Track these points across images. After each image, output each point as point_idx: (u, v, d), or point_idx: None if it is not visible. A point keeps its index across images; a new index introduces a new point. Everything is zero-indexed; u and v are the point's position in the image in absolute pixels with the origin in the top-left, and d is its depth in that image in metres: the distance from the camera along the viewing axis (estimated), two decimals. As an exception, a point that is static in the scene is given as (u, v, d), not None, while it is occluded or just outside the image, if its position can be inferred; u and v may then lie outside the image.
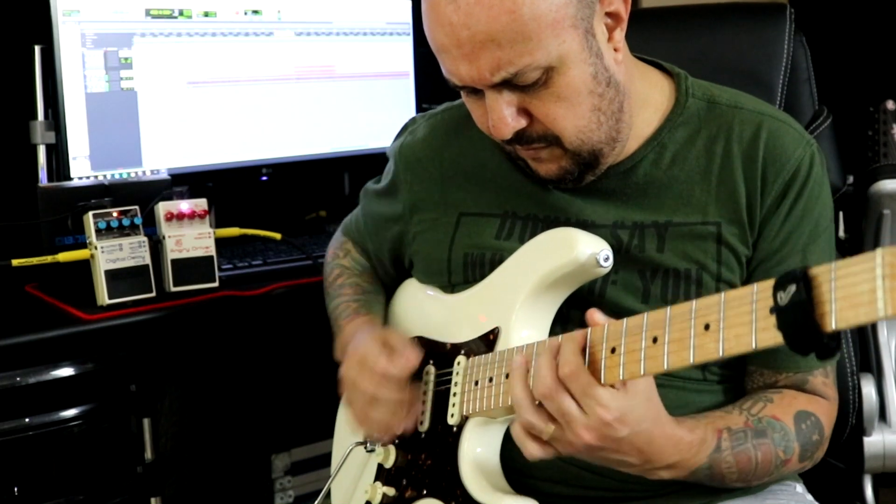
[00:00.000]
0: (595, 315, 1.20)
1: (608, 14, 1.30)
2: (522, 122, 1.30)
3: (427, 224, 1.53)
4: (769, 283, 0.98)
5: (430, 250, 1.52)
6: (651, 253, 1.37)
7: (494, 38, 1.22)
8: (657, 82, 1.43)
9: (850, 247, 1.96)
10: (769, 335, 0.98)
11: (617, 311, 1.34)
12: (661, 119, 1.41)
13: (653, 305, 1.35)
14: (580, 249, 1.32)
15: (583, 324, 1.36)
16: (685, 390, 1.37)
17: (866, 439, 1.82)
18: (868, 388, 1.80)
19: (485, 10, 1.21)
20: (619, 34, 1.32)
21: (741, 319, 1.01)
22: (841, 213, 2.02)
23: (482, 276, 1.46)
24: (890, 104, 2.05)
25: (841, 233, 2.04)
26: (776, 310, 0.96)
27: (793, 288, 0.94)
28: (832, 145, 1.74)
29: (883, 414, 1.85)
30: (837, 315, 0.91)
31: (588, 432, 1.16)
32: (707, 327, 1.04)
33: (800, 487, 1.49)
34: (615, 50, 1.32)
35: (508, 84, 1.26)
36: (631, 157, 1.40)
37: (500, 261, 1.44)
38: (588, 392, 1.16)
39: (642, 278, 1.37)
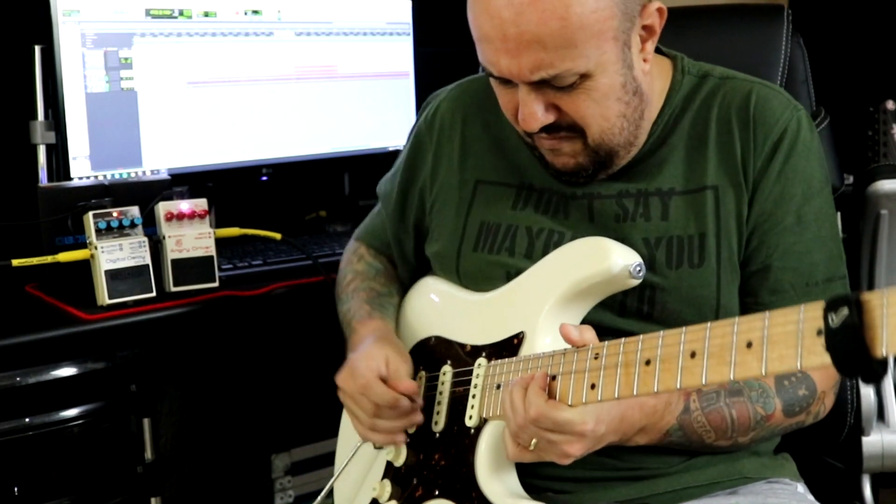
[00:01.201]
0: (569, 331, 1.26)
1: (644, 27, 1.36)
2: (551, 118, 1.35)
3: (445, 191, 1.57)
4: (818, 304, 0.98)
5: (446, 216, 1.56)
6: (656, 221, 1.41)
7: (541, 40, 1.26)
8: (660, 66, 1.48)
9: (847, 247, 1.96)
10: (816, 356, 0.98)
11: None
12: (663, 102, 1.46)
13: (658, 272, 1.39)
14: (613, 261, 1.33)
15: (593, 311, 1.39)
16: None
17: (865, 439, 1.82)
18: (866, 389, 1.80)
19: (537, 13, 1.25)
20: (650, 46, 1.38)
21: (786, 339, 1.01)
22: (839, 214, 2.02)
23: (493, 245, 1.49)
24: (890, 104, 2.05)
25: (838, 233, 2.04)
26: (826, 331, 0.97)
27: (845, 311, 0.95)
28: (830, 146, 1.75)
29: (881, 414, 1.85)
30: (888, 340, 0.91)
31: (572, 446, 1.24)
32: (749, 345, 1.05)
33: (801, 487, 1.50)
34: (644, 60, 1.38)
35: (544, 83, 1.31)
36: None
37: (515, 231, 1.48)
38: (559, 422, 1.23)
39: (647, 246, 1.40)
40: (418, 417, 1.46)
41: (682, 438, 1.34)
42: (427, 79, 2.55)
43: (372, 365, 1.46)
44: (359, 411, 1.47)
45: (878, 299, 0.93)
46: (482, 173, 1.55)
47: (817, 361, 0.98)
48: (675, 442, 1.35)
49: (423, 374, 1.53)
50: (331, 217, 2.59)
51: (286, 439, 2.35)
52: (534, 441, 1.26)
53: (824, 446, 1.45)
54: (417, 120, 1.68)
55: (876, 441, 1.83)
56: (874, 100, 2.07)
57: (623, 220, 1.42)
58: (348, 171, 2.63)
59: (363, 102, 2.49)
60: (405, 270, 1.70)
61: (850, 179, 2.00)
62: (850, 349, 0.94)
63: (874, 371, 0.95)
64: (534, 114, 1.33)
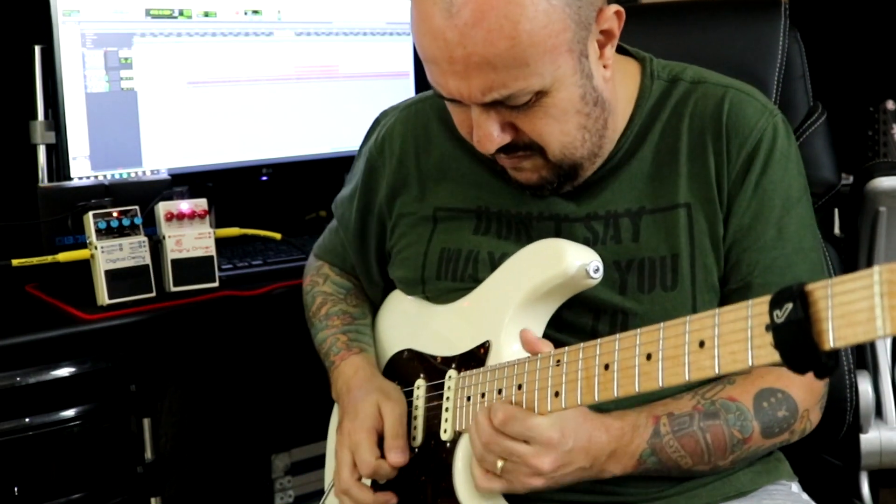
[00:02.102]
0: (527, 336, 1.26)
1: (602, 31, 1.29)
2: (507, 138, 1.29)
3: (405, 218, 1.53)
4: (765, 300, 0.97)
5: (407, 244, 1.52)
6: (627, 243, 1.38)
7: (490, 61, 1.20)
8: (628, 70, 1.42)
9: (846, 245, 1.96)
10: (765, 353, 0.97)
11: (595, 305, 1.37)
12: (632, 109, 1.41)
13: (630, 296, 1.36)
14: (569, 261, 1.31)
15: (564, 324, 1.38)
16: None
17: (863, 436, 1.82)
18: (864, 386, 1.80)
19: (483, 33, 1.18)
20: (610, 50, 1.31)
21: (736, 336, 1.00)
22: (836, 211, 2.02)
23: (455, 272, 1.46)
24: (890, 104, 2.06)
25: (837, 230, 2.04)
26: (772, 328, 0.95)
27: (789, 306, 0.93)
28: (827, 142, 1.74)
29: (879, 411, 1.85)
30: (835, 333, 0.89)
31: (542, 458, 1.22)
32: (702, 344, 1.03)
33: (795, 487, 1.48)
34: (604, 67, 1.32)
35: (498, 102, 1.25)
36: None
37: (476, 257, 1.44)
38: (528, 425, 1.22)
39: (618, 269, 1.37)
40: (392, 501, 1.43)
41: (658, 465, 1.31)
42: (427, 79, 2.55)
43: (367, 424, 1.43)
44: (339, 475, 1.45)
45: (821, 291, 0.91)
46: (440, 200, 1.50)
47: (768, 359, 0.96)
48: (652, 469, 1.31)
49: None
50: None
51: (286, 439, 2.35)
52: (500, 463, 1.24)
53: (822, 444, 1.45)
54: (367, 141, 1.62)
55: (874, 438, 1.83)
56: (874, 99, 2.08)
57: (593, 244, 1.37)
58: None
59: (363, 102, 2.48)
60: (373, 291, 1.66)
61: (850, 179, 1.99)
62: (798, 345, 0.92)
63: (825, 365, 0.92)
64: (489, 135, 1.27)
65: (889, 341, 1.89)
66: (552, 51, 1.22)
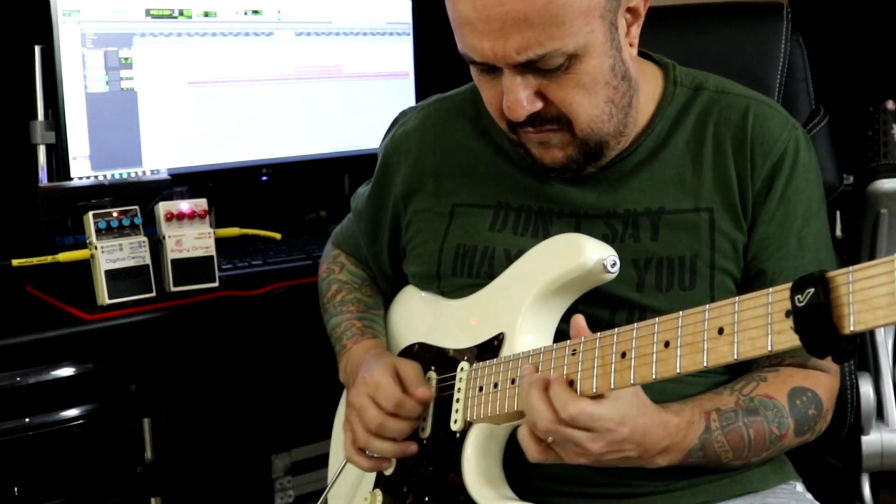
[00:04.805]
0: (579, 321, 1.25)
1: (628, 9, 1.33)
2: (538, 105, 1.31)
3: (421, 214, 1.54)
4: (786, 287, 0.99)
5: (423, 240, 1.53)
6: (646, 242, 1.39)
7: (528, 17, 1.23)
8: (650, 73, 1.45)
9: (847, 246, 1.96)
10: (785, 338, 0.99)
11: (612, 301, 1.38)
12: (654, 109, 1.43)
13: (647, 294, 1.37)
14: (587, 255, 1.32)
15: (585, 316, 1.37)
16: (683, 382, 1.36)
17: (864, 438, 1.82)
18: (866, 388, 1.80)
19: None
20: (636, 30, 1.35)
21: (756, 322, 1.02)
22: (838, 213, 2.02)
23: (471, 268, 1.47)
24: (890, 104, 2.05)
25: (838, 232, 2.04)
26: (793, 312, 0.97)
27: (811, 290, 0.95)
28: (828, 144, 1.75)
29: (880, 413, 1.85)
30: (856, 318, 0.92)
31: (595, 443, 1.20)
32: (721, 331, 1.05)
33: (800, 486, 1.49)
34: (630, 45, 1.35)
35: (530, 66, 1.27)
36: (627, 149, 1.42)
37: (492, 254, 1.45)
38: (595, 418, 1.19)
39: (636, 267, 1.38)
40: (412, 448, 1.42)
41: (702, 459, 1.31)
42: (427, 79, 2.55)
43: (384, 369, 1.43)
44: (358, 426, 1.44)
45: (843, 277, 0.94)
46: (458, 196, 1.51)
47: (787, 344, 0.99)
48: (695, 463, 1.32)
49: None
50: (331, 217, 2.59)
51: (286, 439, 2.34)
52: (550, 438, 1.23)
53: (824, 445, 1.45)
54: (385, 138, 1.63)
55: (875, 440, 1.83)
56: (874, 100, 2.07)
57: (611, 242, 1.38)
58: (348, 171, 2.63)
59: (363, 102, 2.49)
60: (385, 283, 1.67)
61: (850, 179, 2.00)
62: (818, 328, 0.95)
63: (844, 349, 0.95)
64: (519, 101, 1.29)
65: (891, 344, 1.89)
66: (586, 14, 1.25)
